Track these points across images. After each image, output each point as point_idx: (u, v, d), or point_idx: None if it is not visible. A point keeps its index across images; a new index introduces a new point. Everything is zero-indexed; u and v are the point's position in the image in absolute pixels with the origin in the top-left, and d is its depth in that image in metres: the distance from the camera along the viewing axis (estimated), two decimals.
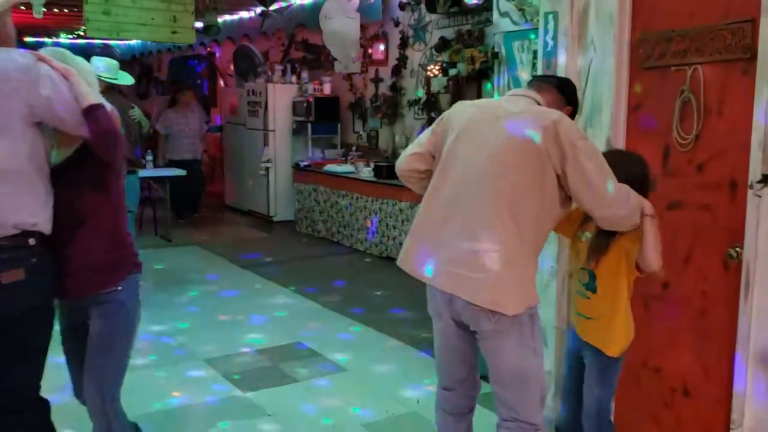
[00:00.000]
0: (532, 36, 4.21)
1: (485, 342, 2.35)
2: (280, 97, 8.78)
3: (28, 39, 11.98)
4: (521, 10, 4.21)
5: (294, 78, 8.94)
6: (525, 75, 4.33)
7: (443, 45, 6.70)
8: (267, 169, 8.74)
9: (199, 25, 6.94)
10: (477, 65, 5.75)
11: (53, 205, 2.27)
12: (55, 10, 6.75)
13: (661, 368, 2.92)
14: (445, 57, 6.58)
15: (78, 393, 2.59)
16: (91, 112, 2.18)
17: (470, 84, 6.47)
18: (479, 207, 2.31)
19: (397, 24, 7.48)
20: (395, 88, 7.60)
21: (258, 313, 5.16)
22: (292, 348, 4.45)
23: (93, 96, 2.22)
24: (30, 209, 2.18)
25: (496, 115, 2.41)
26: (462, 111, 2.53)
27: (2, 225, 2.12)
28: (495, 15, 4.58)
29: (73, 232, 2.31)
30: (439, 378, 2.62)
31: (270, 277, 6.18)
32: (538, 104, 2.48)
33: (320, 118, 8.40)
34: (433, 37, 6.96)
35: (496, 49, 4.56)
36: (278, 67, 9.01)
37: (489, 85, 6.28)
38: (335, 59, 7.38)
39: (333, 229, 7.76)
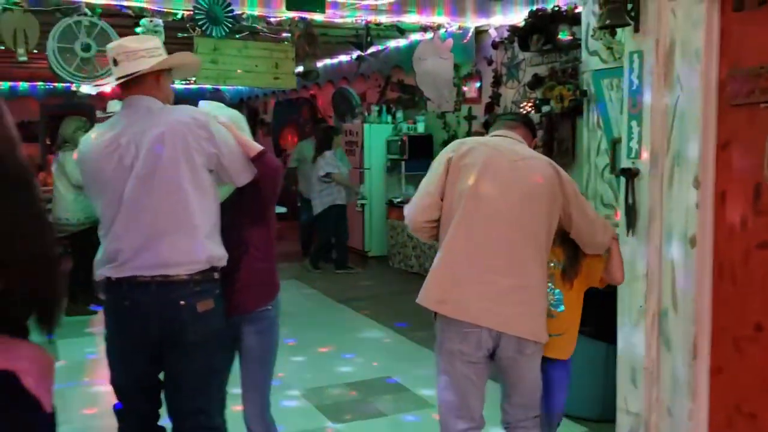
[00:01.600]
0: (622, 74, 4.21)
1: (515, 365, 2.61)
2: (376, 137, 9.02)
3: None
4: (610, 48, 4.23)
5: (389, 118, 9.17)
6: (615, 113, 4.31)
7: (536, 82, 6.72)
8: (362, 205, 8.96)
9: (300, 69, 7.28)
10: (566, 103, 5.74)
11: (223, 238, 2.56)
12: None
13: (756, 415, 2.82)
14: (538, 94, 6.59)
15: None
16: (260, 158, 2.51)
17: (564, 120, 6.45)
18: (516, 247, 2.54)
19: (490, 63, 7.56)
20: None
21: (350, 347, 5.29)
22: (382, 382, 4.54)
23: (256, 144, 2.55)
24: (218, 247, 2.48)
25: (511, 159, 2.62)
26: (471, 152, 2.64)
27: (199, 261, 2.40)
28: (584, 54, 4.61)
29: (238, 259, 2.60)
30: (453, 421, 2.66)
31: (363, 312, 6.32)
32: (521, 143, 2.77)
33: (414, 156, 8.57)
34: (527, 75, 7.00)
35: (584, 87, 4.58)
36: (374, 108, 9.27)
37: (583, 121, 6.26)
38: (429, 99, 7.54)
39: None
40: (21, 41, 5.77)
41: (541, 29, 6.60)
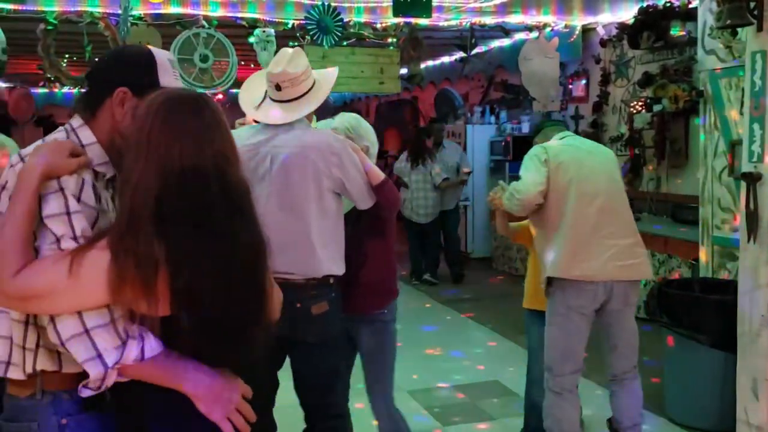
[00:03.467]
0: (742, 73, 4.04)
1: (621, 316, 3.25)
2: (479, 138, 9.00)
3: None
4: (728, 47, 4.07)
5: (493, 118, 9.13)
6: (734, 114, 4.15)
7: (647, 80, 6.54)
8: (465, 207, 8.97)
9: (404, 71, 7.38)
10: (681, 103, 5.55)
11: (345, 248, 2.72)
12: None
13: None
14: (649, 93, 6.41)
15: None
16: (382, 187, 2.65)
17: (677, 120, 6.24)
18: (622, 215, 3.28)
19: (597, 61, 7.41)
20: (596, 125, 7.51)
21: (456, 349, 5.33)
22: (489, 386, 4.55)
23: (380, 173, 2.67)
24: (336, 264, 2.63)
25: (589, 150, 3.40)
26: (565, 150, 3.32)
27: (318, 272, 2.57)
28: (700, 53, 4.46)
29: (359, 267, 2.77)
30: (566, 367, 3.24)
31: (468, 314, 6.34)
32: None
33: (518, 156, 8.44)
34: (636, 73, 6.82)
35: (701, 87, 4.43)
36: (477, 109, 9.25)
37: (698, 120, 6.03)
38: (534, 99, 7.47)
39: None
40: None
41: (651, 26, 6.41)
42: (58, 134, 1.65)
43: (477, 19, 7.02)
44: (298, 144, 2.54)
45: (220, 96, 11.57)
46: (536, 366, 3.52)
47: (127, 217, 1.42)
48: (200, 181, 1.45)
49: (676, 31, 6.16)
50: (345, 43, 6.37)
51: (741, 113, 4.07)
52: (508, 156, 8.54)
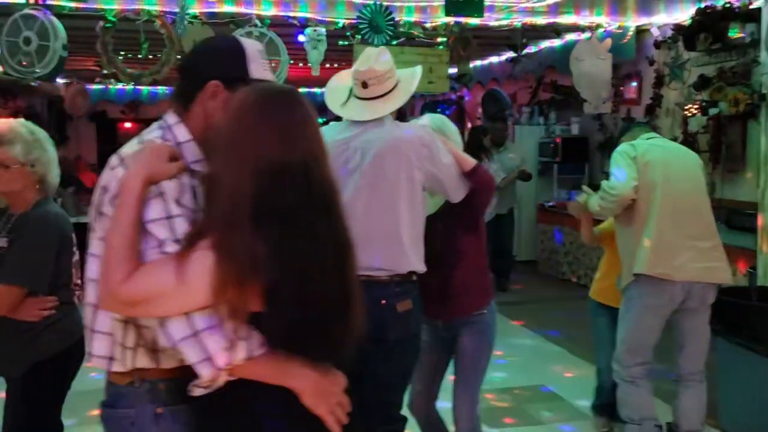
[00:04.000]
0: None
1: (695, 314, 3.36)
2: (527, 139, 8.91)
3: (301, 89, 13.39)
4: None
5: (541, 119, 9.03)
6: None
7: (703, 83, 6.39)
8: (511, 209, 8.88)
9: (452, 71, 7.34)
10: (741, 107, 5.41)
11: (438, 246, 2.72)
12: (327, 65, 7.59)
13: None
14: (705, 96, 6.27)
15: (413, 405, 3.04)
16: (475, 171, 2.66)
17: (733, 123, 6.09)
18: (705, 217, 3.38)
19: (651, 63, 7.27)
20: (624, 131, 7.34)
21: (501, 352, 5.29)
22: (535, 390, 4.51)
23: (470, 158, 2.70)
24: (419, 260, 2.63)
25: (675, 152, 3.51)
26: (652, 150, 3.38)
27: (403, 267, 2.57)
28: (762, 55, 4.34)
29: (453, 266, 2.78)
30: (636, 359, 3.38)
31: (514, 317, 6.29)
32: None
33: (567, 158, 8.38)
34: (692, 75, 6.67)
35: (763, 91, 4.31)
36: (525, 109, 9.15)
37: (756, 124, 5.87)
38: (585, 100, 7.36)
39: (579, 272, 7.67)
40: None
41: (709, 27, 6.26)
42: (155, 132, 1.67)
43: (528, 19, 6.94)
44: (390, 138, 2.55)
45: None
46: (602, 355, 3.73)
47: (226, 217, 1.43)
48: (293, 179, 1.45)
49: (735, 33, 6.00)
50: (394, 43, 6.36)
51: None
52: (557, 158, 8.45)
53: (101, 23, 6.05)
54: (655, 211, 3.26)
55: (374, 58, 2.63)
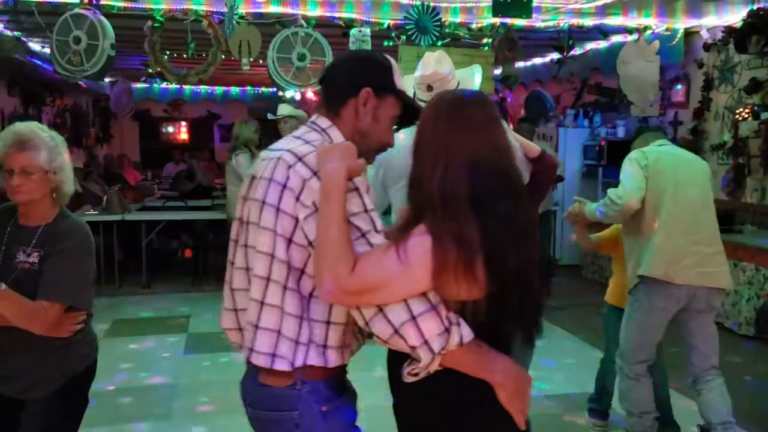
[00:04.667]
0: None
1: (700, 315, 3.44)
2: (571, 141, 8.81)
3: None
4: None
5: (586, 122, 8.91)
6: None
7: (754, 87, 6.26)
8: (554, 212, 8.79)
9: (497, 72, 7.29)
10: None
11: None
12: None
13: None
14: (756, 99, 6.13)
15: None
16: (542, 157, 2.78)
17: None
18: (710, 223, 3.45)
19: (700, 65, 7.13)
20: (696, 132, 7.22)
21: (546, 359, 5.22)
22: (581, 398, 4.44)
23: (534, 145, 2.80)
24: None
25: (684, 159, 3.55)
26: (663, 157, 3.47)
27: None
28: None
29: None
30: (640, 356, 3.52)
31: (557, 323, 6.21)
32: None
33: (613, 161, 8.24)
34: (743, 79, 6.53)
35: None
36: (570, 111, 9.05)
37: None
38: (631, 103, 7.24)
39: None
40: (245, 51, 6.29)
41: (762, 29, 6.11)
42: (311, 134, 1.75)
43: (575, 21, 6.86)
44: None
45: (311, 94, 11.76)
46: (610, 357, 3.81)
47: (441, 203, 1.53)
48: (498, 169, 1.58)
49: None
50: (440, 43, 6.33)
51: None
52: (602, 161, 8.33)
53: (149, 23, 6.13)
54: (663, 216, 3.36)
55: (435, 61, 2.73)
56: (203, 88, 13.50)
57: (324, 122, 1.76)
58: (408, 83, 2.83)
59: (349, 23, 6.48)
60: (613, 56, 7.38)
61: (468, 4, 6.31)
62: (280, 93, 11.79)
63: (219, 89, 13.83)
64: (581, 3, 6.27)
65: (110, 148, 13.36)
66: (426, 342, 1.48)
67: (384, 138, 1.80)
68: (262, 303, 1.64)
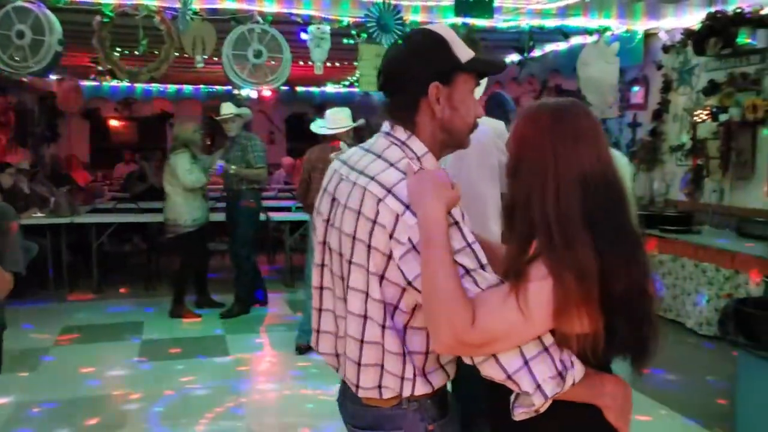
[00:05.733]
0: None
1: None
2: None
3: (299, 89, 13.28)
4: None
5: None
6: None
7: (713, 89, 6.30)
8: None
9: None
10: (759, 113, 5.30)
11: None
12: (328, 64, 7.47)
13: None
14: (714, 101, 6.18)
15: None
16: None
17: (744, 130, 6.00)
18: (636, 220, 3.32)
19: (659, 67, 7.17)
20: (655, 133, 7.27)
21: None
22: None
23: None
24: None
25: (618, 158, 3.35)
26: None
27: None
28: None
29: None
30: None
31: None
32: None
33: None
34: (701, 81, 6.58)
35: None
36: None
37: (766, 131, 5.79)
38: (590, 104, 7.24)
39: None
40: (199, 48, 6.09)
41: (719, 32, 6.17)
42: (391, 150, 1.60)
43: (536, 21, 6.84)
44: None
45: (267, 92, 11.56)
46: None
47: (557, 226, 1.40)
48: (606, 183, 1.45)
49: (743, 38, 5.92)
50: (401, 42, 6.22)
51: None
52: None
53: (98, 18, 5.89)
54: None
55: None
56: (155, 87, 13.18)
57: (402, 133, 1.61)
58: None
59: (308, 20, 6.34)
60: (572, 58, 7.39)
61: (429, 3, 6.23)
62: (235, 91, 11.63)
63: (172, 88, 13.51)
64: (542, 4, 6.24)
65: (57, 148, 12.93)
66: (539, 387, 1.39)
67: (470, 119, 1.64)
68: (362, 341, 1.55)
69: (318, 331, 1.75)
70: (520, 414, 1.46)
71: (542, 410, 1.43)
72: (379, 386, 1.57)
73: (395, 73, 1.62)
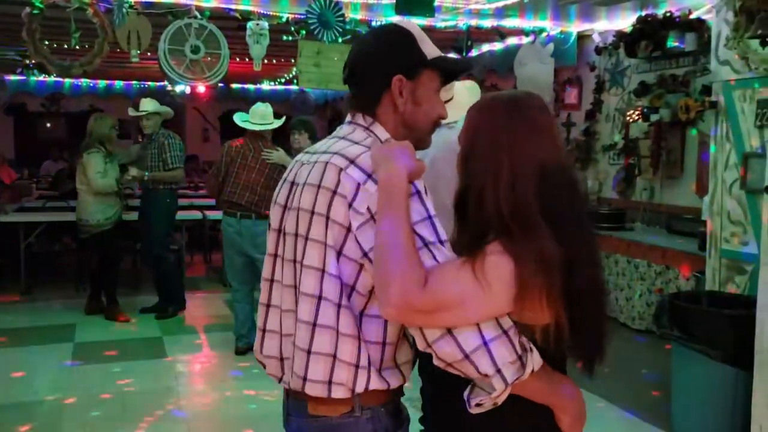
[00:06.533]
0: (757, 85, 4.00)
1: None
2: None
3: (234, 86, 13.07)
4: (744, 58, 4.02)
5: None
6: (747, 126, 4.11)
7: (643, 90, 6.50)
8: None
9: None
10: (692, 114, 5.50)
11: None
12: (265, 61, 7.39)
13: None
14: (645, 102, 6.38)
15: None
16: None
17: (674, 130, 6.22)
18: None
19: (592, 68, 7.37)
20: (588, 133, 7.46)
21: None
22: None
23: None
24: None
25: None
26: None
27: None
28: (713, 63, 4.40)
29: None
30: None
31: None
32: None
33: None
34: (632, 82, 6.78)
35: (713, 99, 4.37)
36: None
37: (694, 131, 6.01)
38: None
39: None
40: (134, 43, 5.92)
41: (650, 35, 6.38)
42: (356, 133, 1.59)
43: (474, 21, 6.92)
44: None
45: (202, 88, 11.34)
46: None
47: (512, 217, 1.38)
48: (564, 177, 1.44)
49: (671, 42, 6.13)
50: (340, 40, 6.20)
51: (756, 125, 4.03)
52: None
53: (27, 9, 5.66)
54: None
55: None
56: (84, 82, 12.75)
57: (364, 120, 1.60)
58: None
59: (246, 16, 6.24)
60: (507, 58, 7.51)
61: (369, 1, 6.21)
62: (169, 87, 11.38)
63: (102, 83, 13.10)
64: (481, 4, 6.31)
65: None
66: (499, 370, 1.33)
67: (432, 115, 1.62)
68: (314, 324, 1.47)
69: (264, 330, 1.64)
70: (476, 406, 1.39)
71: (500, 401, 1.37)
72: (330, 381, 1.47)
73: (360, 64, 1.61)
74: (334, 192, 1.46)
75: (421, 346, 1.38)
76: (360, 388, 1.47)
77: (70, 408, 4.28)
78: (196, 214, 8.03)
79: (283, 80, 12.36)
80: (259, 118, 5.34)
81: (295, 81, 9.95)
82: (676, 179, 6.31)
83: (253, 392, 4.56)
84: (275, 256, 1.62)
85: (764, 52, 3.67)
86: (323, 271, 1.46)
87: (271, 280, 1.64)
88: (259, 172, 5.24)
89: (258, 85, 13.40)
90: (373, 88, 1.58)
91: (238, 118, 5.40)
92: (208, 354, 5.47)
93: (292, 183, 1.62)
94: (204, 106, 13.91)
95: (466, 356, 1.33)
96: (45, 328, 6.03)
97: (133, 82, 13.16)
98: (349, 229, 1.44)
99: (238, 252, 5.30)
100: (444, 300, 1.32)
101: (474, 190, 1.46)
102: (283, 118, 5.60)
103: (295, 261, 1.53)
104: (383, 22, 6.57)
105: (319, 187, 1.49)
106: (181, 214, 7.29)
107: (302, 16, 6.04)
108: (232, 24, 6.39)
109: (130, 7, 5.76)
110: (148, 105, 6.36)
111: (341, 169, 1.47)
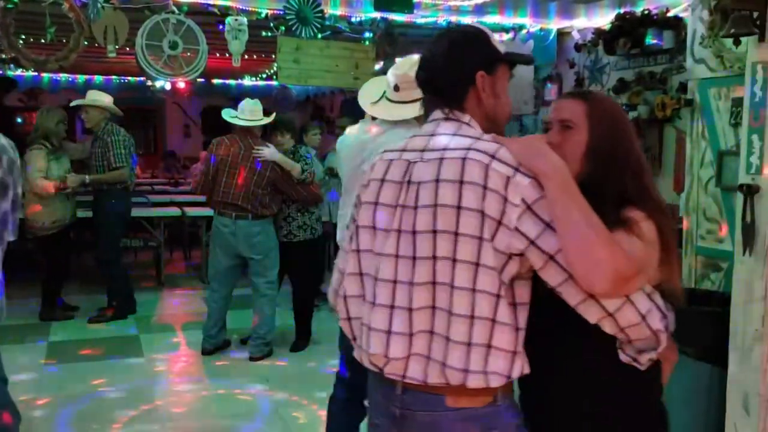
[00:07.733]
0: (732, 83, 4.01)
1: None
2: None
3: (215, 81, 13.00)
4: (719, 57, 4.03)
5: None
6: (723, 124, 4.12)
7: (622, 87, 6.53)
8: None
9: (378, 67, 7.23)
10: (668, 111, 5.53)
11: None
12: (246, 57, 7.34)
13: None
14: (624, 99, 6.40)
15: None
16: None
17: (651, 127, 6.24)
18: None
19: (572, 65, 7.38)
20: None
21: None
22: None
23: None
24: None
25: None
26: None
27: None
28: (689, 61, 4.41)
29: None
30: None
31: None
32: None
33: None
34: (611, 79, 6.81)
35: (689, 96, 4.39)
36: None
37: (672, 129, 6.04)
38: None
39: None
40: (111, 38, 5.86)
41: (628, 33, 6.40)
42: (465, 128, 1.67)
43: (454, 18, 6.91)
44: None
45: (182, 84, 11.26)
46: None
47: (649, 203, 1.69)
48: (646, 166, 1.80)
49: (649, 40, 6.16)
50: (320, 36, 6.18)
51: (731, 124, 4.05)
52: None
53: (1, 3, 5.58)
54: None
55: (410, 65, 2.75)
56: (63, 77, 12.64)
57: (463, 116, 1.68)
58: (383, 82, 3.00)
59: (225, 11, 6.20)
60: None
61: None
62: (149, 82, 11.29)
63: (81, 78, 12.99)
64: (460, 0, 6.31)
65: None
66: (667, 327, 1.56)
67: (507, 109, 1.75)
68: (472, 317, 1.50)
69: (389, 333, 1.58)
70: (645, 362, 1.59)
71: (651, 359, 1.59)
72: (485, 372, 1.50)
73: (442, 64, 1.68)
74: (485, 187, 1.51)
75: (595, 318, 1.51)
76: (516, 373, 1.54)
77: (42, 409, 4.23)
78: (176, 211, 7.97)
79: (264, 76, 12.31)
80: (249, 113, 5.29)
81: (274, 77, 9.90)
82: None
83: (229, 391, 4.54)
84: (396, 257, 1.60)
85: (738, 51, 3.68)
86: (477, 264, 1.50)
87: (395, 282, 1.60)
88: (250, 170, 5.18)
89: (239, 81, 13.33)
90: (457, 85, 1.67)
91: (227, 114, 5.35)
92: (185, 352, 5.44)
93: (401, 183, 1.63)
94: (185, 102, 13.82)
95: (643, 318, 1.50)
96: (16, 327, 5.95)
97: (113, 77, 13.05)
98: (500, 222, 1.50)
99: (227, 254, 5.21)
100: (641, 265, 1.52)
101: (605, 173, 1.71)
102: (273, 115, 5.54)
103: (434, 258, 1.54)
104: (365, 18, 6.56)
105: (461, 182, 1.52)
106: (160, 211, 7.23)
107: (281, 12, 6.01)
108: (211, 19, 6.35)
109: (106, 1, 5.70)
110: (89, 96, 6.12)
111: (486, 165, 1.52)
